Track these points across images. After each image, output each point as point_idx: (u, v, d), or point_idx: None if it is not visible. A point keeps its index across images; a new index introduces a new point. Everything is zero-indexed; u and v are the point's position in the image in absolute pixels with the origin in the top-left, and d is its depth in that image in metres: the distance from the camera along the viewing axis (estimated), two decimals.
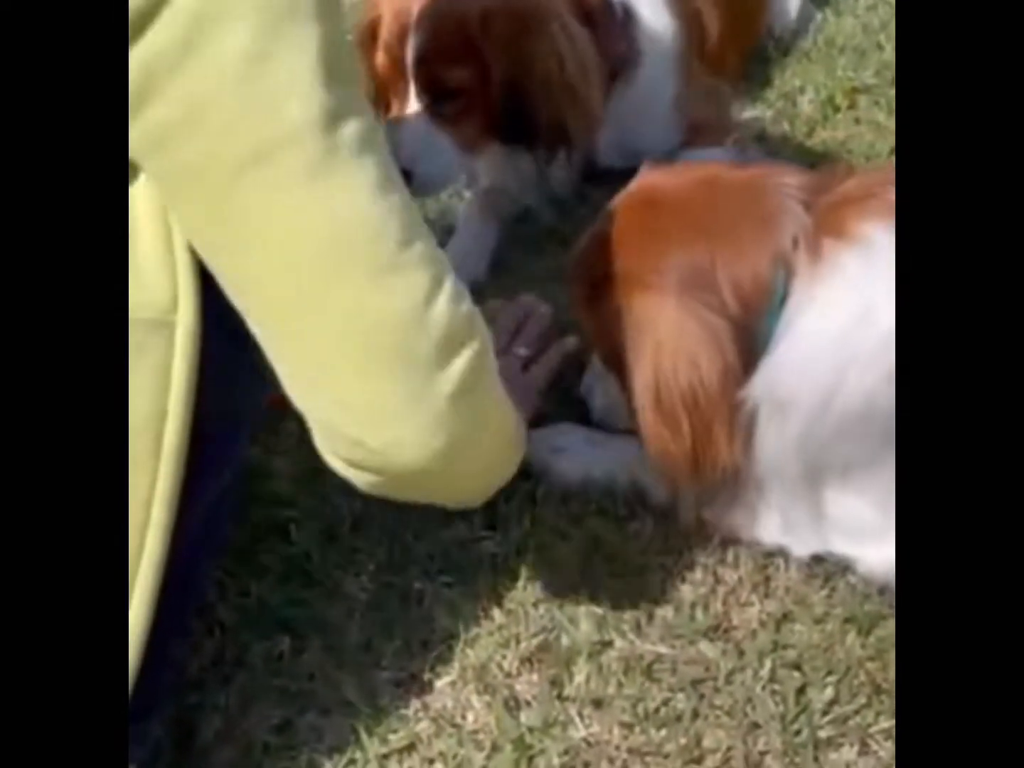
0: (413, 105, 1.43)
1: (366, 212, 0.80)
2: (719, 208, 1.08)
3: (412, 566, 1.17)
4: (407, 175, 1.32)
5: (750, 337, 1.04)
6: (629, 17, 1.56)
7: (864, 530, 1.08)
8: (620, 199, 1.13)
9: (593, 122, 1.51)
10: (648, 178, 1.14)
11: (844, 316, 1.01)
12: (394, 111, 1.47)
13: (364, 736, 1.03)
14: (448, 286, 0.85)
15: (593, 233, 1.13)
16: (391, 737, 1.03)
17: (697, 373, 1.03)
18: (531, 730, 1.03)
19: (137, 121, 0.76)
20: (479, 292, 1.18)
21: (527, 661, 1.09)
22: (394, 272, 0.82)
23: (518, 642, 1.10)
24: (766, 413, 1.04)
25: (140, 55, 0.74)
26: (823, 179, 1.10)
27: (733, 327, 1.04)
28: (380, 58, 1.46)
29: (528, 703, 1.06)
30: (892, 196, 0.98)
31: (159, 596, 0.83)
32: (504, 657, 1.09)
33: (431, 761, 1.02)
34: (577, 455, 1.23)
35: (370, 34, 1.48)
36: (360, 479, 0.91)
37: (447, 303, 0.84)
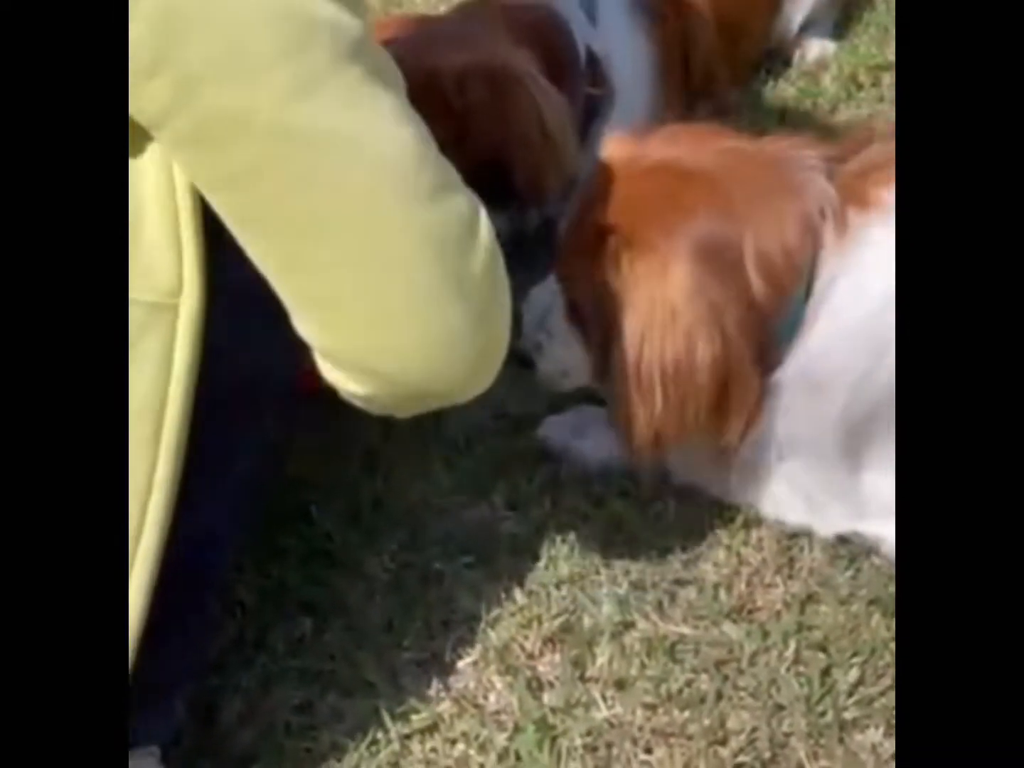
0: None
1: (406, 136, 0.78)
2: (744, 179, 1.04)
3: (433, 546, 1.16)
4: None
5: (773, 316, 1.02)
6: (596, 59, 1.49)
7: None
8: (636, 156, 1.08)
9: (570, 176, 1.44)
10: (667, 143, 1.09)
11: (877, 292, 0.98)
12: None
13: (386, 717, 1.03)
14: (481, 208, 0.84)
15: (604, 185, 1.07)
16: (413, 718, 1.03)
17: (688, 352, 1.00)
18: (553, 711, 1.03)
19: (167, 68, 0.73)
20: None
21: (549, 642, 1.08)
22: (444, 190, 0.80)
23: (540, 623, 1.09)
24: (800, 394, 1.03)
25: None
26: (844, 148, 1.07)
27: (750, 309, 1.01)
28: None
29: (550, 684, 1.05)
30: None
31: (162, 577, 0.82)
32: (526, 638, 1.08)
33: (453, 741, 1.02)
34: (599, 438, 1.22)
35: None
36: (370, 395, 0.86)
37: (487, 223, 0.83)
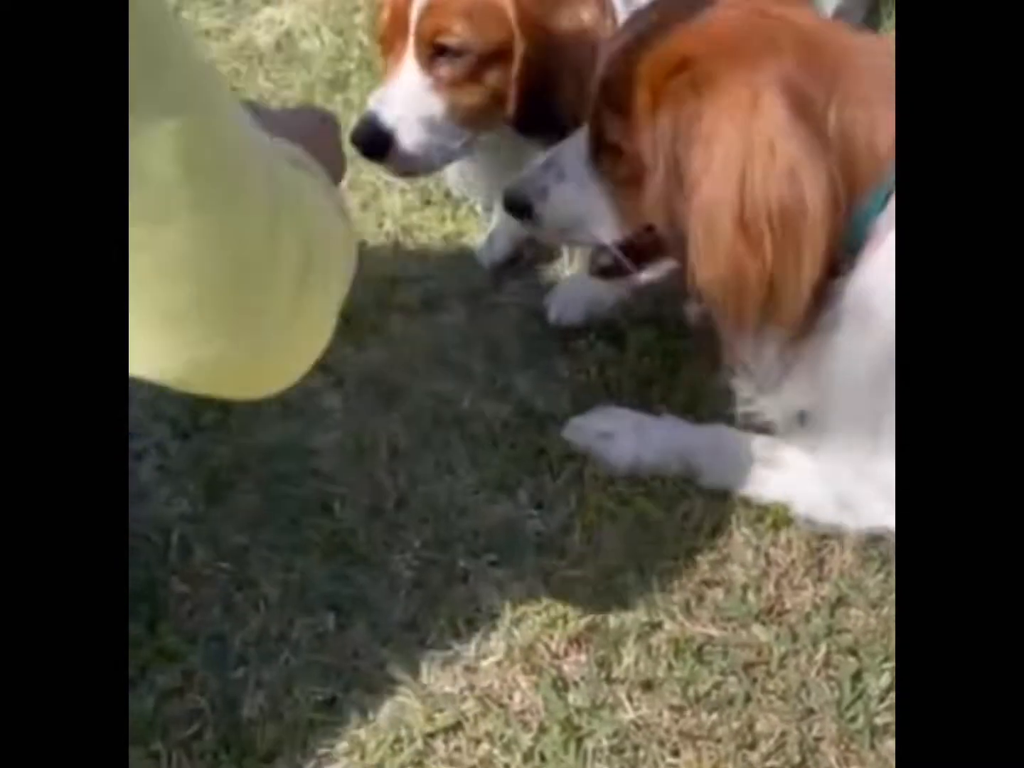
0: (409, 61, 1.21)
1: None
2: (845, 50, 0.94)
3: (457, 544, 1.15)
4: (387, 143, 1.19)
5: (843, 207, 0.92)
6: None
7: None
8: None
9: None
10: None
11: None
12: (387, 73, 1.26)
13: (409, 715, 1.02)
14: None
15: (667, 16, 0.98)
16: (437, 716, 1.02)
17: (796, 188, 0.89)
18: (579, 711, 1.01)
19: None
20: None
21: (574, 642, 1.07)
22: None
23: (565, 622, 1.08)
24: (851, 322, 0.96)
25: None
26: None
27: (836, 162, 0.90)
28: (384, 12, 1.25)
29: (576, 684, 1.04)
30: None
31: None
32: (551, 637, 1.07)
33: (477, 741, 1.01)
34: (626, 441, 1.20)
35: None
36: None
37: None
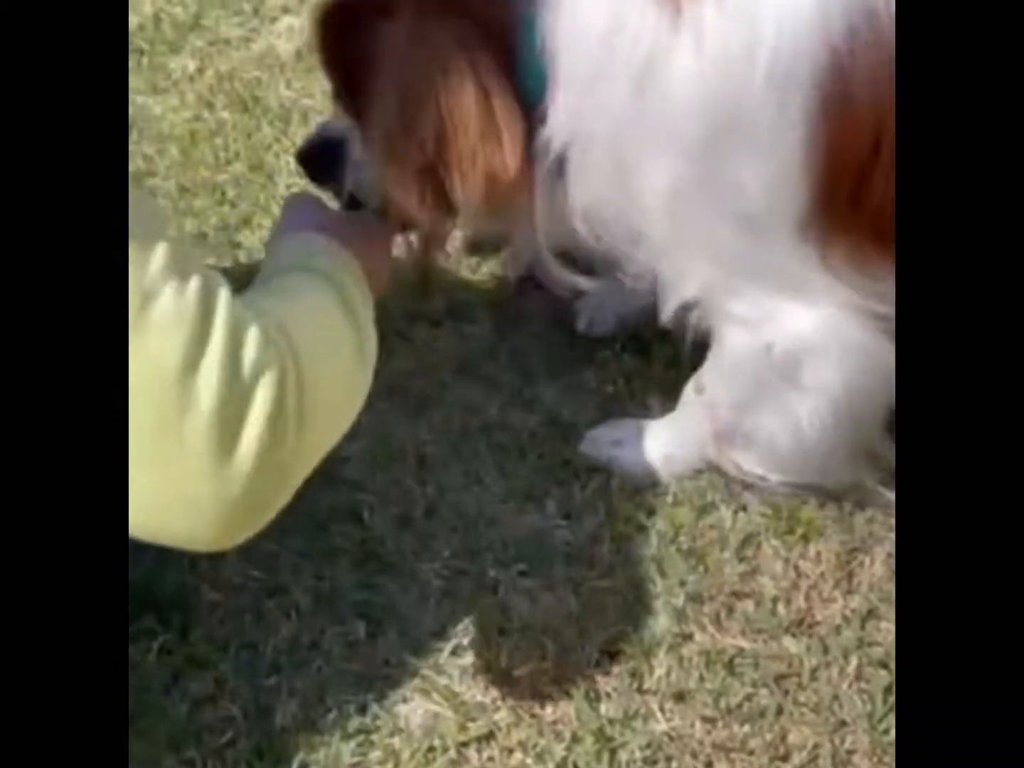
0: None
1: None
2: None
3: (486, 554, 1.15)
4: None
5: (507, 48, 0.96)
6: None
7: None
8: None
9: None
10: None
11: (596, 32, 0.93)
12: None
13: (443, 724, 1.02)
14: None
15: None
16: (469, 726, 1.02)
17: (444, 105, 0.95)
18: (611, 722, 1.02)
19: None
20: None
21: (605, 653, 1.07)
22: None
23: (596, 633, 1.08)
24: (574, 151, 0.98)
25: None
26: None
27: (482, 39, 0.95)
28: None
29: (608, 695, 1.04)
30: None
31: None
32: (582, 648, 1.07)
33: (510, 751, 1.01)
34: (637, 449, 1.22)
35: None
36: None
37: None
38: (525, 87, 0.97)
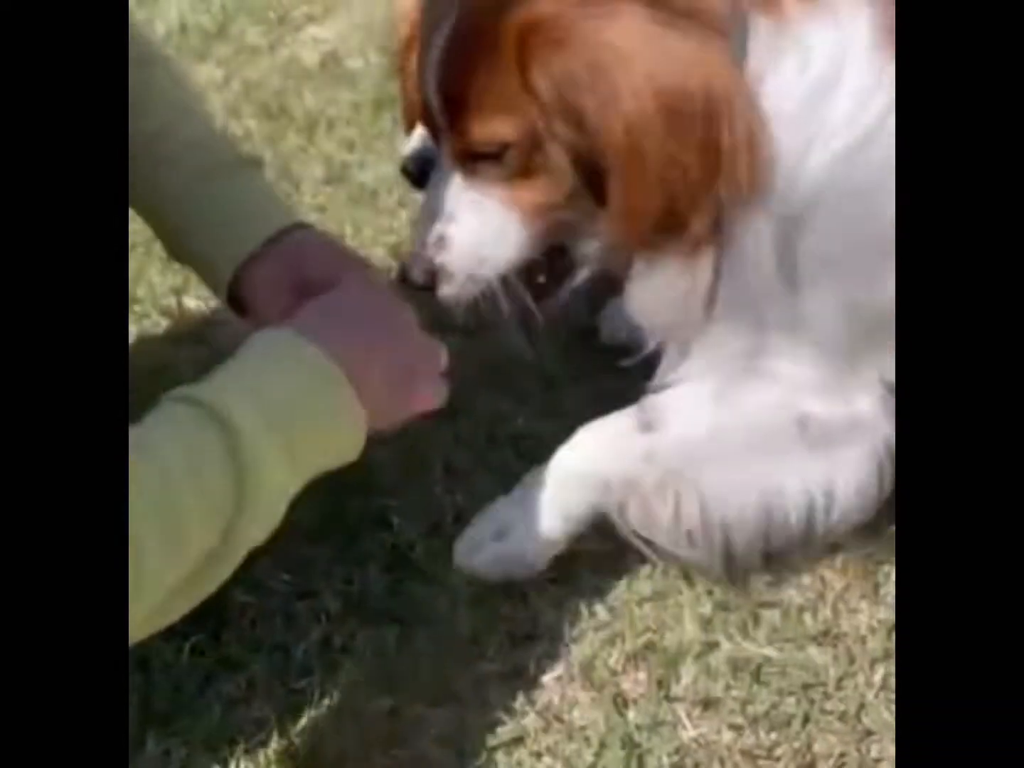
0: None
1: None
2: None
3: None
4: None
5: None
6: None
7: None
8: None
9: None
10: None
11: (809, 84, 0.91)
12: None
13: (472, 728, 1.03)
14: None
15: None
16: (499, 730, 1.03)
17: (698, 71, 0.88)
18: (639, 728, 1.03)
19: None
20: None
21: (632, 659, 1.08)
22: None
23: (623, 640, 1.09)
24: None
25: None
26: None
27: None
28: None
29: (635, 701, 1.05)
30: None
31: None
32: (609, 655, 1.08)
33: (539, 755, 1.02)
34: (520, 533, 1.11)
35: (405, 55, 1.15)
36: None
37: None
38: None
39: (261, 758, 1.01)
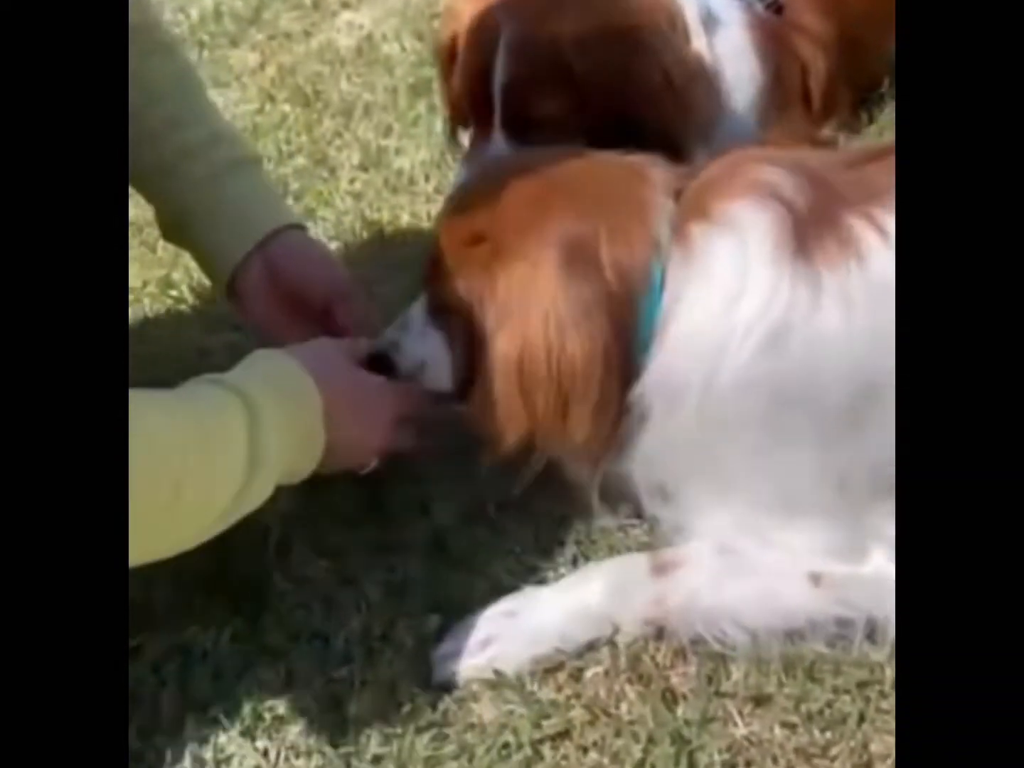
0: (498, 136, 1.35)
1: None
2: (601, 190, 1.06)
3: (556, 551, 1.14)
4: None
5: (630, 317, 1.02)
6: (718, 74, 1.46)
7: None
8: (502, 166, 1.15)
9: (706, 127, 1.41)
10: (528, 154, 1.17)
11: (718, 298, 1.00)
12: (474, 140, 1.40)
13: (517, 721, 1.00)
14: None
15: (474, 190, 1.12)
16: (544, 723, 1.00)
17: (570, 349, 1.00)
18: (688, 724, 1.00)
19: None
20: None
21: (680, 654, 1.05)
22: None
23: (671, 634, 1.07)
24: (659, 406, 1.02)
25: None
26: (692, 168, 1.10)
27: (612, 304, 1.01)
28: (457, 80, 1.39)
29: (684, 697, 1.02)
30: (755, 173, 1.03)
31: None
32: (657, 649, 1.05)
33: (585, 749, 0.99)
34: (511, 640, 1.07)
35: (449, 53, 1.41)
36: None
37: None
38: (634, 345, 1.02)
39: (303, 747, 0.99)
